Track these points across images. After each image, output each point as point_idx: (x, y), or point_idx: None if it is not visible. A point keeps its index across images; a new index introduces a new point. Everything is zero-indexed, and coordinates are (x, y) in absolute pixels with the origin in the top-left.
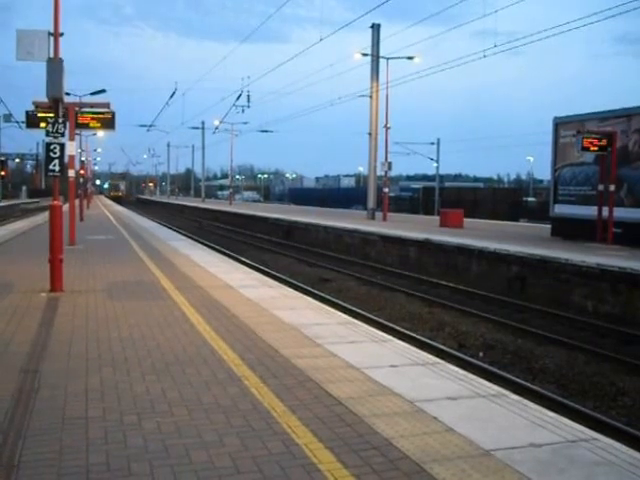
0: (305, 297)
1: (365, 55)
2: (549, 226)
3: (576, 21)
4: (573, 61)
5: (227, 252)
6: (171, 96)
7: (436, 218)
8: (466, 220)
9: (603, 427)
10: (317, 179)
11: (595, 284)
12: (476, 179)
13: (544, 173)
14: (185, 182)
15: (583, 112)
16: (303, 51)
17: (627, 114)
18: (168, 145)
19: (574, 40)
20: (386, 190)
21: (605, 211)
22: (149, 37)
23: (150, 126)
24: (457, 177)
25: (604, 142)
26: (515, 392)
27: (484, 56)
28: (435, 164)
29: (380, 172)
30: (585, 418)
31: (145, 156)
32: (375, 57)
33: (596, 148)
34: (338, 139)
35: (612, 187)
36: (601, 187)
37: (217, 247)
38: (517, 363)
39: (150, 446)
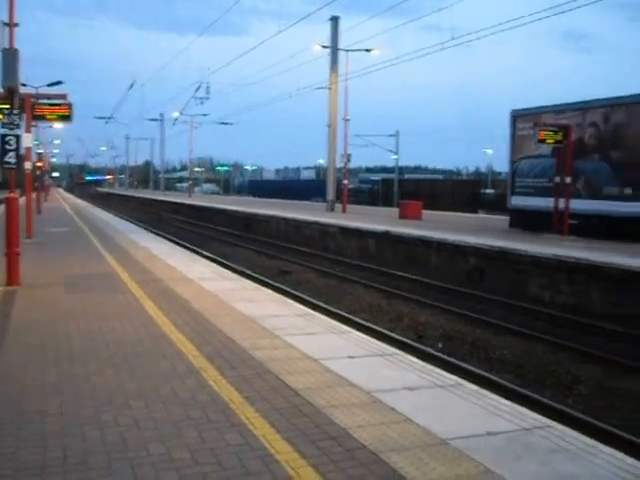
0: (264, 289)
1: (325, 47)
2: (507, 217)
3: (530, 16)
4: (521, 55)
5: (187, 245)
6: (129, 88)
7: (395, 210)
8: (425, 212)
9: (559, 415)
10: (277, 171)
11: (552, 275)
12: (436, 171)
13: (504, 165)
14: (144, 175)
15: (537, 105)
16: (261, 43)
17: (582, 107)
18: (126, 137)
19: (521, 35)
20: (345, 182)
21: (562, 203)
22: (107, 29)
23: (109, 118)
24: (417, 169)
25: (560, 135)
26: (473, 382)
27: (442, 49)
28: (394, 156)
29: (339, 164)
30: (541, 407)
31: (104, 148)
32: (334, 49)
33: (552, 141)
34: (299, 131)
35: (568, 179)
36: (558, 179)
37: (177, 240)
38: (476, 353)
39: (108, 439)
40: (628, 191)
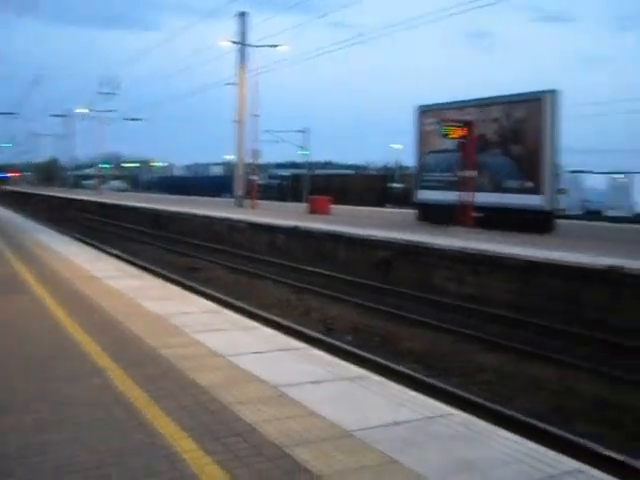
0: (173, 287)
1: (235, 43)
2: (415, 211)
3: (427, 16)
4: (426, 53)
5: (95, 243)
6: (34, 83)
7: (305, 205)
8: (335, 207)
9: (464, 403)
10: (187, 167)
11: (457, 267)
12: (346, 166)
13: (412, 160)
14: (49, 172)
15: (444, 101)
16: (170, 38)
17: (485, 104)
18: (32, 134)
19: (430, 33)
20: (255, 177)
21: (467, 196)
22: (6, 22)
23: (13, 114)
24: (327, 164)
25: (464, 130)
26: (380, 373)
27: (351, 45)
28: (302, 151)
29: (249, 160)
30: (447, 395)
31: (9, 145)
32: (242, 45)
33: (456, 136)
34: (209, 127)
35: (472, 173)
36: (462, 173)
37: (85, 239)
38: (385, 345)
39: (9, 445)
40: (529, 184)
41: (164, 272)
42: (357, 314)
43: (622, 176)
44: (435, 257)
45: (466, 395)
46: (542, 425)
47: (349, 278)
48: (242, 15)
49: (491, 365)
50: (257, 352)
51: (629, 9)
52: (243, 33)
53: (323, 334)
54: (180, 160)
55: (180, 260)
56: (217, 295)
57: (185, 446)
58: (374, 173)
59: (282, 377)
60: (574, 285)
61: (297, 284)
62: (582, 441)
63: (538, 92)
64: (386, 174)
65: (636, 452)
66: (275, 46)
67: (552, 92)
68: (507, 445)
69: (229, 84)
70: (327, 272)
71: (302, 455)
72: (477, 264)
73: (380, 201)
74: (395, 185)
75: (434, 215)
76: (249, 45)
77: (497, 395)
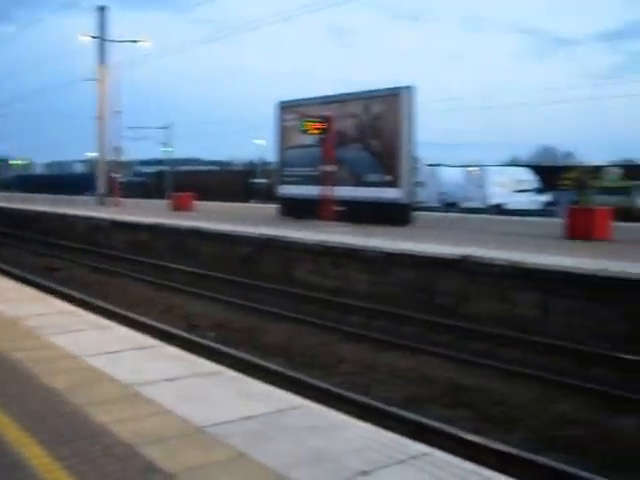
0: (28, 288)
1: (95, 38)
2: (278, 206)
3: (297, 9)
4: (293, 50)
5: None
6: None
7: (168, 202)
8: (199, 203)
9: (324, 394)
10: (47, 165)
11: (318, 260)
12: (211, 162)
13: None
14: None
15: (304, 97)
16: (26, 31)
17: (344, 100)
18: None
19: (292, 30)
20: (117, 175)
21: (328, 190)
22: None
23: None
24: (193, 161)
25: (324, 125)
26: (239, 369)
27: (211, 41)
28: (165, 148)
29: (111, 157)
30: (307, 387)
31: None
32: (101, 40)
33: (316, 131)
34: (70, 123)
35: (332, 167)
36: (323, 168)
37: None
38: (249, 340)
39: None
40: (387, 178)
41: (20, 273)
42: (221, 310)
43: (476, 169)
44: (296, 251)
45: (324, 386)
46: (396, 411)
47: (213, 274)
48: (101, 9)
49: (352, 356)
50: (113, 352)
51: (476, 11)
52: (102, 27)
53: (185, 331)
54: (42, 158)
55: (39, 260)
56: (75, 295)
57: (33, 452)
58: (238, 169)
59: (137, 376)
60: (429, 275)
61: (159, 282)
62: (432, 423)
63: (395, 88)
64: (250, 170)
65: (488, 432)
66: (136, 41)
67: (408, 88)
68: (359, 434)
69: (89, 80)
70: (190, 269)
71: (153, 454)
72: (337, 257)
73: (244, 197)
74: (258, 180)
75: (297, 210)
76: (108, 40)
77: (356, 385)
